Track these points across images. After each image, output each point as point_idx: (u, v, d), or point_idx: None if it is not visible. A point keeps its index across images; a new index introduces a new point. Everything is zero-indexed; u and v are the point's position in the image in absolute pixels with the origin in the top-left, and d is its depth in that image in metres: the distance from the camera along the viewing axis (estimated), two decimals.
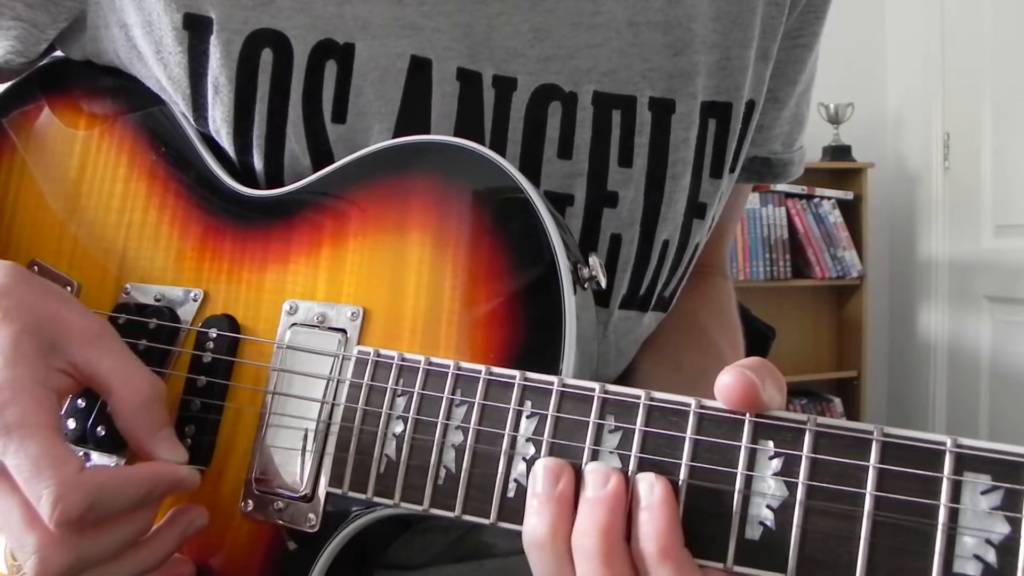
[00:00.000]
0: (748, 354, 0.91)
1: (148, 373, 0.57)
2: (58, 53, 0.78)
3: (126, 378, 0.56)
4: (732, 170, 0.80)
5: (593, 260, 0.60)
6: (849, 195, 3.83)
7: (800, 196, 3.77)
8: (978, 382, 3.56)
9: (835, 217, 3.78)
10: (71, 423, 0.62)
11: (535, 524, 0.48)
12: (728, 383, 0.46)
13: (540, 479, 0.48)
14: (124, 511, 0.52)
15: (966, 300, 3.64)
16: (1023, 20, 3.30)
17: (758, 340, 1.03)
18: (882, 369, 4.07)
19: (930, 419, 3.77)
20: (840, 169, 3.83)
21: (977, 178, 3.54)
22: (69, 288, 0.69)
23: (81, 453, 0.63)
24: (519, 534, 0.49)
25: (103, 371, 0.56)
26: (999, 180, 3.46)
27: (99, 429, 0.61)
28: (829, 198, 3.81)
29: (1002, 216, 3.46)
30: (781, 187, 3.64)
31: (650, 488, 0.46)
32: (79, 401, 0.62)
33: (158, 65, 0.70)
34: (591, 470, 0.48)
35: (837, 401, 3.87)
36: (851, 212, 3.82)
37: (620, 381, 0.81)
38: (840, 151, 3.82)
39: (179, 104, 0.70)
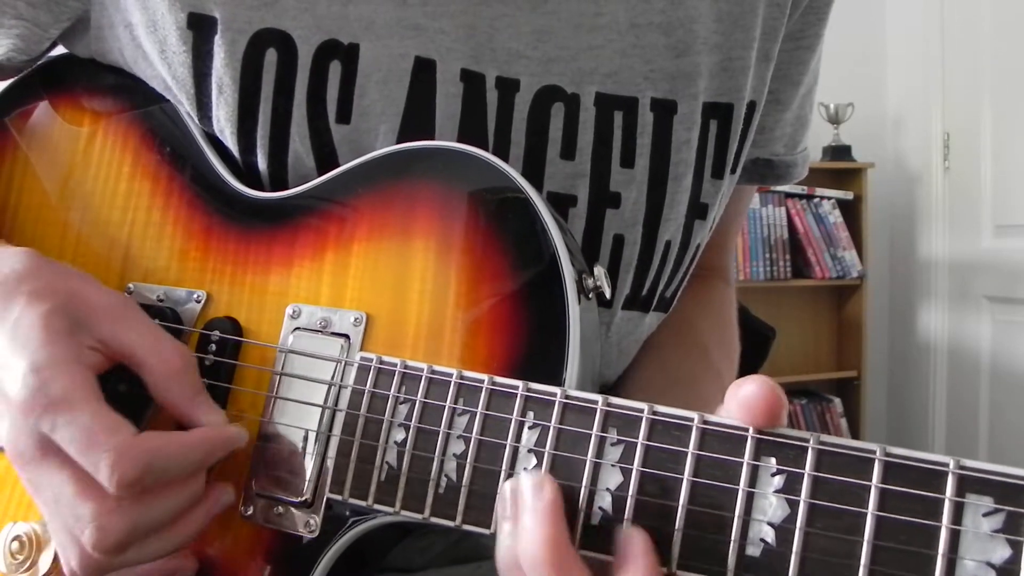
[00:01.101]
0: (747, 355, 0.92)
1: (176, 343, 0.58)
2: (61, 50, 0.78)
3: (155, 350, 0.57)
4: (733, 171, 0.80)
5: (599, 270, 0.60)
6: (849, 195, 3.83)
7: (800, 196, 3.77)
8: (978, 382, 3.56)
9: (835, 217, 3.78)
10: None
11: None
12: (754, 394, 0.45)
13: (508, 502, 0.49)
14: (179, 477, 0.53)
15: (966, 300, 3.65)
16: (1023, 20, 3.30)
17: (758, 340, 1.03)
18: (882, 369, 4.07)
19: (930, 419, 3.77)
20: (840, 169, 3.83)
21: (977, 178, 3.54)
22: None
23: None
24: None
25: (132, 345, 0.56)
26: (999, 180, 3.46)
27: None
28: (829, 198, 3.81)
29: (1002, 216, 3.46)
30: (781, 187, 3.64)
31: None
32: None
33: (162, 65, 0.70)
34: (523, 481, 0.48)
35: (837, 401, 3.87)
36: (851, 212, 3.82)
37: (615, 383, 0.81)
38: (840, 151, 3.82)
39: (183, 104, 0.70)
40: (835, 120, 3.80)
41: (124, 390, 0.60)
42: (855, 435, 3.75)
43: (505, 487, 0.50)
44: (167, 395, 0.57)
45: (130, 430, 0.51)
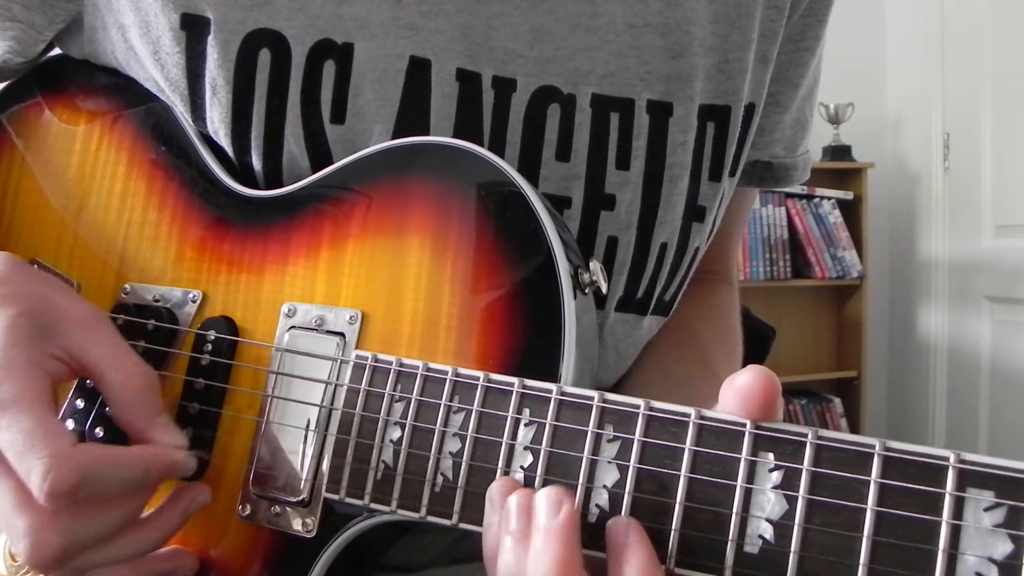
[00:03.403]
0: (747, 355, 0.91)
1: (141, 362, 0.57)
2: (58, 51, 0.78)
3: (119, 366, 0.56)
4: (732, 173, 0.80)
5: (594, 265, 0.60)
6: (849, 195, 3.83)
7: (800, 196, 3.77)
8: (978, 382, 3.56)
9: (835, 217, 3.79)
10: (69, 424, 0.62)
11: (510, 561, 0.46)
12: (749, 383, 0.44)
13: (513, 516, 0.47)
14: (118, 493, 0.52)
15: (966, 300, 3.64)
16: (1023, 20, 3.30)
17: (758, 340, 1.03)
18: (882, 369, 4.07)
19: (930, 419, 3.77)
20: (840, 169, 3.83)
21: (977, 178, 3.54)
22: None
23: None
24: None
25: (96, 358, 0.55)
26: (999, 180, 3.46)
27: (97, 430, 0.61)
28: (829, 198, 3.81)
29: (1002, 216, 3.46)
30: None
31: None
32: (78, 402, 0.62)
33: (155, 66, 0.69)
34: (540, 497, 0.47)
35: (837, 401, 3.87)
36: (851, 212, 3.82)
37: (614, 387, 0.80)
38: (840, 151, 3.82)
39: (177, 105, 0.70)
40: (835, 120, 3.80)
41: None
42: (855, 435, 3.74)
43: (510, 501, 0.48)
44: (124, 413, 0.56)
45: (71, 439, 0.50)
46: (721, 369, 0.85)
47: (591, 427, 0.49)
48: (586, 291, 0.59)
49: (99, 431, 0.61)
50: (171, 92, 0.70)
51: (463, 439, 0.52)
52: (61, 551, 0.50)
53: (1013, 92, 3.35)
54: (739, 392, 0.45)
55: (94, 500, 0.51)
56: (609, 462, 0.48)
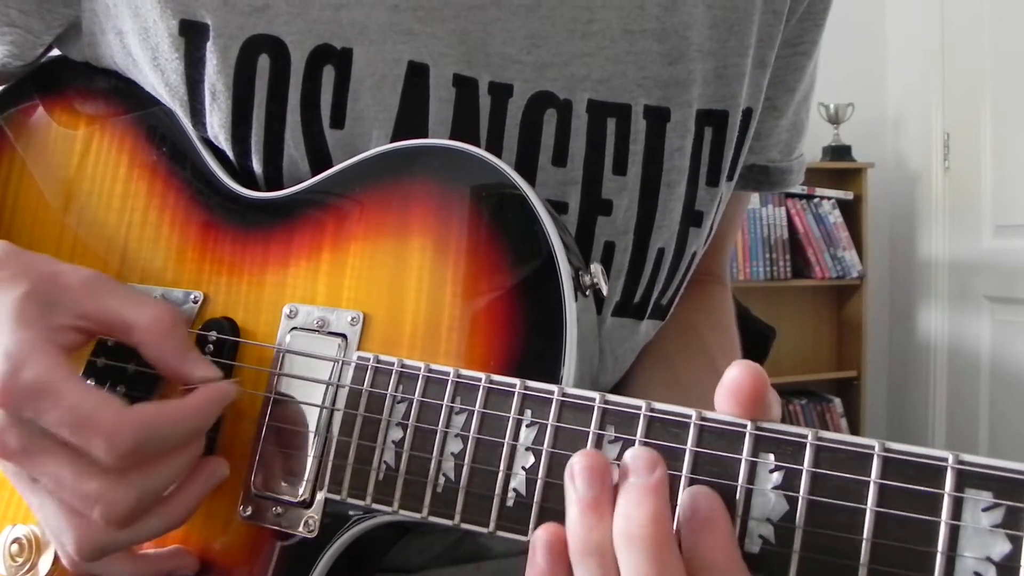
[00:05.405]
0: (747, 355, 0.91)
1: (159, 302, 0.58)
2: (57, 52, 0.78)
3: (141, 308, 0.56)
4: (730, 178, 0.80)
5: (595, 267, 0.60)
6: (849, 195, 3.83)
7: (800, 196, 3.77)
8: (978, 382, 3.56)
9: (835, 217, 3.79)
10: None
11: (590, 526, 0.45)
12: (737, 377, 0.45)
13: (585, 482, 0.45)
14: (179, 443, 0.53)
15: (966, 300, 3.65)
16: (1023, 20, 3.30)
17: (758, 340, 1.03)
18: (882, 369, 4.07)
19: (930, 419, 3.77)
20: (840, 169, 3.84)
21: (977, 178, 3.54)
22: None
23: None
24: (516, 541, 0.49)
25: (116, 310, 0.56)
26: (999, 180, 3.46)
27: (119, 387, 0.62)
28: (829, 198, 3.81)
29: (1002, 216, 3.46)
30: None
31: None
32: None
33: (154, 72, 0.69)
34: (633, 456, 0.45)
35: (837, 401, 3.87)
36: (851, 212, 3.83)
37: (616, 389, 0.80)
38: (840, 151, 3.82)
39: (177, 111, 0.70)
40: (835, 120, 3.81)
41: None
42: (855, 435, 3.75)
43: (575, 465, 0.46)
44: (160, 354, 0.56)
45: (118, 403, 0.51)
46: (722, 369, 0.85)
47: (593, 428, 0.49)
48: (587, 293, 0.59)
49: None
50: (170, 98, 0.69)
51: (465, 440, 0.52)
52: (135, 504, 0.51)
53: (1013, 92, 3.36)
54: (729, 389, 0.45)
55: (156, 454, 0.52)
56: (611, 463, 0.48)
